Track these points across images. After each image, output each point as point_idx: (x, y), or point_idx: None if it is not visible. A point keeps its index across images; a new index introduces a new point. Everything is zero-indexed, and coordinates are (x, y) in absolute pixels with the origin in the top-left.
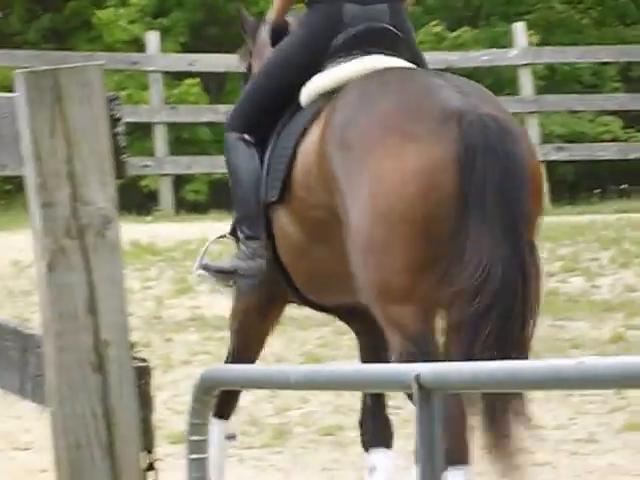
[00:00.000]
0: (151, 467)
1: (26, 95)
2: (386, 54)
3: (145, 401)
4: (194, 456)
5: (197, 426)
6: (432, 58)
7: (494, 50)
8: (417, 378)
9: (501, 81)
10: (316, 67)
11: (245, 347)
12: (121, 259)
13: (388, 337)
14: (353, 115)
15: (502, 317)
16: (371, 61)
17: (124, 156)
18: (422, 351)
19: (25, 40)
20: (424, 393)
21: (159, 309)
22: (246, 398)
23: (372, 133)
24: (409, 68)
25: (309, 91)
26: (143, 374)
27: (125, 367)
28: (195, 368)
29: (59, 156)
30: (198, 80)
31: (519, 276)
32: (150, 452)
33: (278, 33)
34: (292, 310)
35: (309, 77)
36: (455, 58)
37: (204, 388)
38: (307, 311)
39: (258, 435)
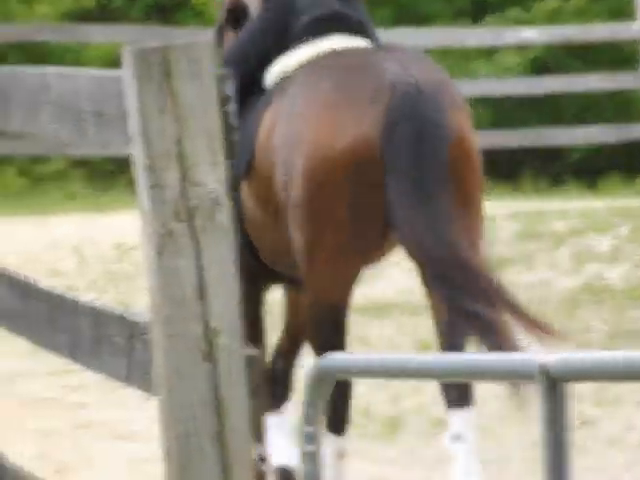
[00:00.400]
0: (261, 458)
1: (134, 72)
2: (340, 36)
3: (255, 391)
4: (308, 448)
5: (311, 417)
6: (548, 32)
7: (614, 24)
8: (542, 368)
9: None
10: (278, 52)
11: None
12: (232, 243)
13: (306, 299)
14: (296, 95)
15: (446, 285)
16: (325, 44)
17: (234, 135)
18: (334, 319)
19: (128, 16)
20: (549, 383)
21: None
22: (358, 388)
23: (309, 111)
24: (356, 48)
25: (271, 75)
26: (253, 363)
27: (235, 356)
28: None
29: (168, 135)
30: None
31: (442, 247)
32: (261, 442)
33: (234, 14)
34: (401, 296)
35: (271, 62)
36: (573, 32)
37: (319, 378)
38: (417, 296)
39: (370, 426)
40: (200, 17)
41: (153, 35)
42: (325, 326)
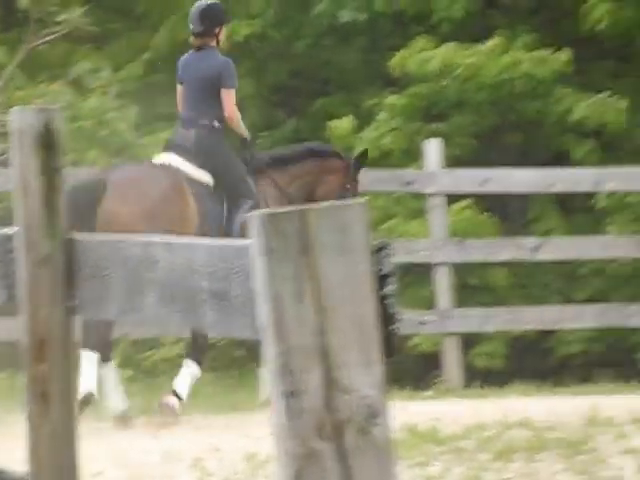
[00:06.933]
0: None
1: (264, 244)
2: (175, 156)
3: None
4: None
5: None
6: None
7: None
8: None
9: None
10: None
11: None
12: (393, 465)
13: None
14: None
15: None
16: (163, 157)
17: (395, 326)
18: None
19: None
20: None
21: None
22: None
23: None
24: (156, 163)
25: None
26: None
27: None
28: None
29: (308, 327)
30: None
31: None
32: None
33: None
34: None
35: None
36: None
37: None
38: None
39: None
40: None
41: None
42: None
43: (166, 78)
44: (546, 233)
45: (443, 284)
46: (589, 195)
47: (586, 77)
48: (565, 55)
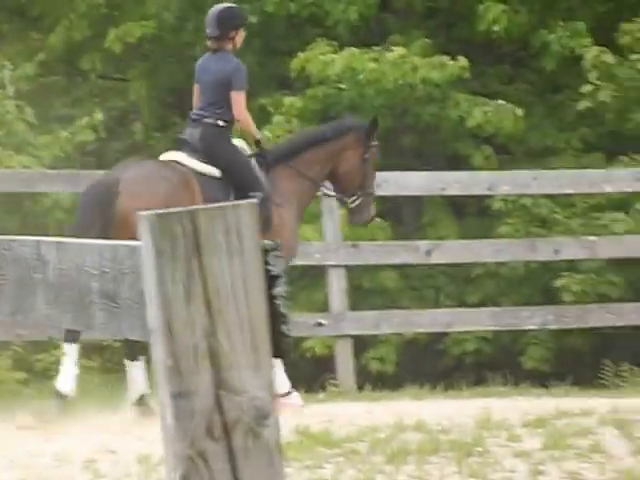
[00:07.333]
0: None
1: (154, 245)
2: (182, 153)
3: None
4: None
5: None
6: None
7: None
8: None
9: None
10: None
11: None
12: (282, 467)
13: None
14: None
15: None
16: (170, 155)
17: (285, 327)
18: None
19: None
20: None
21: None
22: None
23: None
24: (163, 160)
25: None
26: None
27: None
28: None
29: (198, 329)
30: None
31: None
32: None
33: None
34: None
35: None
36: None
37: None
38: None
39: None
40: None
41: None
42: None
43: (61, 79)
44: (440, 236)
45: (337, 287)
46: (483, 198)
47: (481, 81)
48: (463, 61)
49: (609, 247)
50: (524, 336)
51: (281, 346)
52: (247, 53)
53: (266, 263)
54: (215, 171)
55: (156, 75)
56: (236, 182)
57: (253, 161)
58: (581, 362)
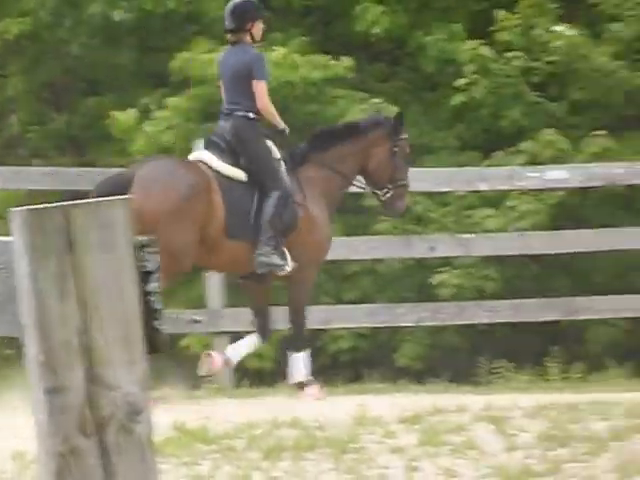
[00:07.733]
0: None
1: (26, 241)
2: (208, 151)
3: None
4: None
5: None
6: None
7: None
8: None
9: None
10: None
11: None
12: (154, 463)
13: None
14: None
15: None
16: (197, 154)
17: (158, 322)
18: None
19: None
20: None
21: None
22: None
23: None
24: (183, 160)
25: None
26: None
27: None
28: None
29: (71, 325)
30: None
31: None
32: None
33: None
34: None
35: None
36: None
37: None
38: None
39: None
40: (122, 154)
41: (64, 179)
42: None
43: None
44: None
45: (214, 284)
46: (360, 195)
47: (358, 79)
48: (348, 61)
49: (483, 244)
50: (399, 333)
51: (155, 342)
52: (124, 50)
53: (140, 259)
54: (241, 174)
55: (33, 71)
56: (260, 177)
57: (282, 162)
58: (457, 359)
